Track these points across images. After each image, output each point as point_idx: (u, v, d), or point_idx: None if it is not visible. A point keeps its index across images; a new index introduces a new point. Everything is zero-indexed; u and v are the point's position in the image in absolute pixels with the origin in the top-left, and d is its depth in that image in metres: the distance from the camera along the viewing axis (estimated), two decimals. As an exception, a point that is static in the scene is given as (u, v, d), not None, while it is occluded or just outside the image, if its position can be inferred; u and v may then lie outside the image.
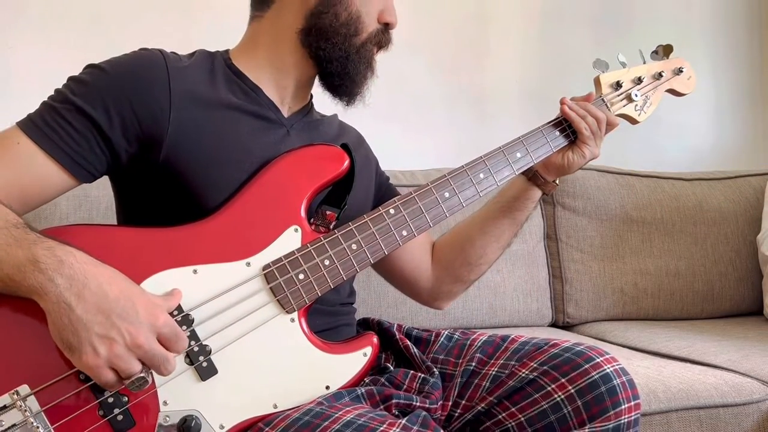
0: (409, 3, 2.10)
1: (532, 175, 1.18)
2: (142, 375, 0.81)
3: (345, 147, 1.04)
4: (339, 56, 1.07)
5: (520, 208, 1.21)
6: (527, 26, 2.30)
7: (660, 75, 1.25)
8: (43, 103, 0.96)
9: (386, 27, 1.12)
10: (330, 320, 1.07)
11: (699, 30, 2.50)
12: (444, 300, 1.31)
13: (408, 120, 2.17)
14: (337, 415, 0.84)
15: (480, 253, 1.23)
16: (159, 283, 0.88)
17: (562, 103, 1.15)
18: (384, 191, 1.26)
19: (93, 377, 0.81)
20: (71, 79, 0.97)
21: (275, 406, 0.91)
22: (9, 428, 0.80)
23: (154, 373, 0.84)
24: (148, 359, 0.81)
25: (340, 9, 1.05)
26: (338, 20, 1.06)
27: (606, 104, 1.20)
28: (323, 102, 1.19)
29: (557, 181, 1.21)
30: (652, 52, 1.27)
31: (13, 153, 0.91)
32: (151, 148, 0.97)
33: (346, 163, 1.02)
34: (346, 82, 1.09)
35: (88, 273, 0.80)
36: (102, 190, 1.56)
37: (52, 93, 0.97)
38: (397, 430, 0.82)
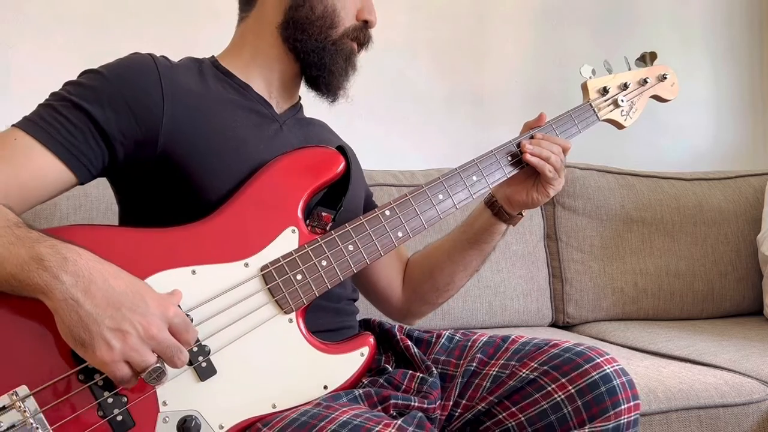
0: (408, 4, 2.10)
1: (497, 211, 1.19)
2: (158, 365, 0.80)
3: (340, 149, 1.05)
4: (315, 47, 1.10)
5: (487, 240, 1.22)
6: (526, 27, 2.30)
7: (645, 81, 1.28)
8: (40, 105, 0.98)
9: (365, 24, 1.14)
10: (335, 319, 1.08)
11: (699, 30, 2.50)
12: (413, 318, 1.33)
13: (408, 120, 2.17)
14: (333, 416, 0.84)
15: (448, 280, 1.25)
16: (157, 283, 0.88)
17: (522, 151, 1.11)
18: (366, 204, 1.25)
19: (108, 373, 0.80)
20: (67, 83, 1.00)
21: (274, 406, 0.92)
22: (8, 429, 0.79)
23: None
24: (162, 350, 0.81)
25: (315, 2, 1.10)
26: (314, 13, 1.09)
27: (594, 109, 1.22)
28: (315, 109, 1.20)
29: (523, 213, 1.21)
30: (637, 59, 1.30)
31: (10, 149, 0.92)
32: (147, 144, 0.98)
33: (342, 165, 1.03)
34: (324, 74, 1.11)
35: (93, 269, 0.80)
36: (102, 189, 1.56)
37: (48, 96, 0.99)
38: (393, 430, 0.83)
